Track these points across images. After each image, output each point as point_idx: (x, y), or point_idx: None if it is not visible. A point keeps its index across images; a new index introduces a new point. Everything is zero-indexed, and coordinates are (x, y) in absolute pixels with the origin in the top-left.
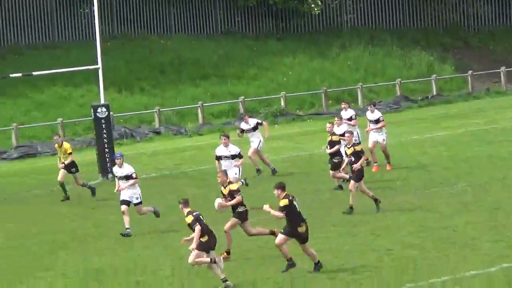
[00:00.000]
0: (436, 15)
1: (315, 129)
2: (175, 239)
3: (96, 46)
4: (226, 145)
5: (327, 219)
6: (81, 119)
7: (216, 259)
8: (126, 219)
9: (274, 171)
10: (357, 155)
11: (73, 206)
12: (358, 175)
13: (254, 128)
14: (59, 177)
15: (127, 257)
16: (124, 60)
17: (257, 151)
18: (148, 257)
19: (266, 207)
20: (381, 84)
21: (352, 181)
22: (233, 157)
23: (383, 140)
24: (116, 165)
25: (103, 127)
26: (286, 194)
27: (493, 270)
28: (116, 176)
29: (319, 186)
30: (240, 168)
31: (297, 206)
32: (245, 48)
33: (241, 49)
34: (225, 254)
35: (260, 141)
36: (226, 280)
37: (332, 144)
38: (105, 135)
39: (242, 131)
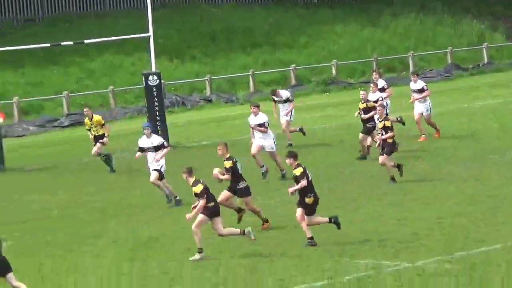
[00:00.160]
0: None
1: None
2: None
3: (147, 14)
4: (256, 114)
5: (376, 189)
6: (132, 87)
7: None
8: (170, 186)
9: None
10: (387, 129)
11: (120, 175)
12: (390, 149)
13: (285, 101)
14: (93, 150)
15: (175, 225)
16: (175, 29)
17: (288, 124)
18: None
19: (291, 189)
20: (432, 52)
21: (384, 155)
22: (260, 126)
23: (427, 110)
24: (144, 136)
25: (154, 95)
26: (298, 163)
27: None
28: (143, 148)
29: (369, 155)
30: (274, 139)
31: (310, 176)
32: (296, 17)
33: (292, 18)
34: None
35: (291, 112)
36: (244, 232)
37: (366, 110)
38: (156, 103)
39: (276, 101)
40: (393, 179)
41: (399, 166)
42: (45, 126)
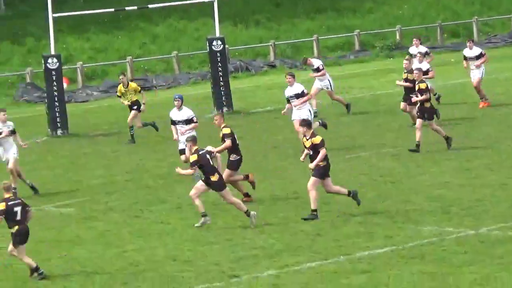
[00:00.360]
0: None
1: (431, 62)
2: (292, 171)
3: None
4: (292, 84)
5: (440, 154)
6: (196, 52)
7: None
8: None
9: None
10: (422, 92)
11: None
12: (430, 114)
13: (316, 70)
14: (131, 119)
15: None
16: None
17: (330, 93)
18: (262, 190)
19: (311, 165)
20: (496, 17)
21: (419, 120)
22: (297, 96)
23: (479, 77)
24: (175, 108)
25: (218, 60)
26: (313, 132)
27: None
28: (174, 121)
29: (441, 117)
30: (310, 109)
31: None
32: None
33: None
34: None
35: (329, 81)
36: (249, 213)
37: (407, 81)
38: (220, 68)
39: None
40: (418, 145)
41: (447, 139)
42: (108, 91)
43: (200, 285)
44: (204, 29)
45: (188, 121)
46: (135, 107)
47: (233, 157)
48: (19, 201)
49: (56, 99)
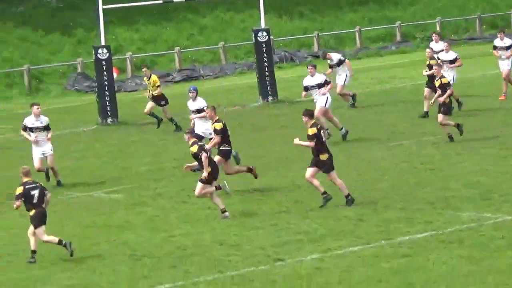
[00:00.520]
0: None
1: (469, 53)
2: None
3: None
4: (313, 75)
5: (478, 143)
6: (242, 43)
7: (221, 184)
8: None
9: (354, 101)
10: (444, 88)
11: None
12: (446, 109)
13: (338, 64)
14: (146, 109)
15: (287, 176)
16: None
17: (343, 87)
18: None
19: (296, 140)
20: None
21: (440, 115)
22: (319, 86)
23: (508, 68)
24: (190, 99)
25: (264, 50)
26: (314, 122)
27: None
28: (190, 110)
29: (479, 106)
30: (328, 97)
31: (323, 136)
32: None
33: None
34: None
35: (346, 75)
36: (225, 211)
37: (431, 68)
38: (265, 59)
39: (331, 66)
40: (451, 137)
41: (458, 126)
42: None
43: (246, 269)
44: (250, 21)
45: (199, 111)
46: (162, 102)
47: (225, 147)
48: (37, 185)
49: (106, 89)
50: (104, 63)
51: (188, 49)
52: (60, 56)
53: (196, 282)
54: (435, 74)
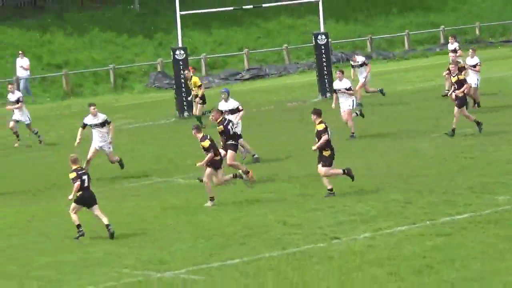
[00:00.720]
0: None
1: (505, 54)
2: (381, 149)
3: None
4: (341, 79)
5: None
6: (304, 45)
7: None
8: (247, 146)
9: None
10: (461, 83)
11: (292, 123)
12: (461, 102)
13: (361, 65)
14: (197, 111)
15: (343, 164)
16: None
17: (363, 85)
18: (359, 166)
19: (314, 146)
20: None
21: (456, 108)
22: (347, 89)
23: None
24: (222, 100)
25: (323, 52)
26: (321, 119)
27: None
28: (221, 111)
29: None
30: (354, 101)
31: (330, 133)
32: None
33: None
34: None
35: (367, 75)
36: (212, 199)
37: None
38: (324, 60)
39: (353, 66)
40: (453, 130)
41: (478, 123)
42: (228, 79)
43: (306, 246)
44: (311, 25)
45: (233, 111)
46: (201, 101)
47: (231, 141)
48: (85, 171)
49: (183, 86)
50: (181, 63)
51: (255, 51)
52: (143, 56)
53: (261, 257)
54: (451, 71)
